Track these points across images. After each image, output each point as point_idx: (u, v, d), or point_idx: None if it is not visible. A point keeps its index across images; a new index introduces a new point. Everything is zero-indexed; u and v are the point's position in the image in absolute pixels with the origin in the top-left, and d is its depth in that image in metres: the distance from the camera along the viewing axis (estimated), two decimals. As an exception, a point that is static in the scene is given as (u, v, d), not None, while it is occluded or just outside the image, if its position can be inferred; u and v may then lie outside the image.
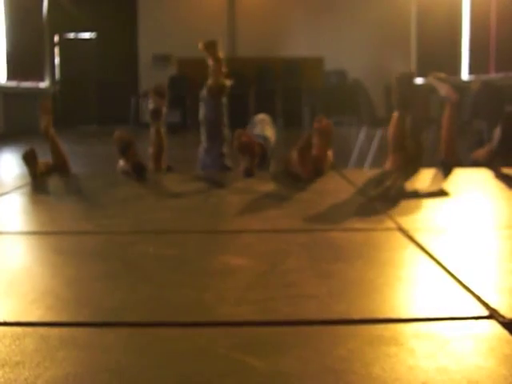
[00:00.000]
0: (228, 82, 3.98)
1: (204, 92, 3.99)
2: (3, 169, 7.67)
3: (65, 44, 15.08)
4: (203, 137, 3.99)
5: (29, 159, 3.42)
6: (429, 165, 3.68)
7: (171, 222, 2.35)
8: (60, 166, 3.70)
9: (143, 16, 14.91)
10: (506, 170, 3.44)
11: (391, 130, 3.64)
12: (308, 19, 14.89)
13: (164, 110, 3.86)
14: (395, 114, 3.63)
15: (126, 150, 3.52)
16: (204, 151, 3.98)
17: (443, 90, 3.96)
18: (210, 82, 3.94)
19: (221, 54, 3.96)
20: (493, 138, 3.94)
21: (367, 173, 4.17)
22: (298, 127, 12.87)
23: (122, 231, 2.17)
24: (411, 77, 3.83)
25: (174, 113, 13.55)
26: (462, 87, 10.86)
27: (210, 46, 3.94)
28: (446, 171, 3.45)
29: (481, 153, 3.98)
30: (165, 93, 3.89)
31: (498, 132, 3.90)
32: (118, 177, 3.62)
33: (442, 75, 4.10)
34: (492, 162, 3.69)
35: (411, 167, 3.50)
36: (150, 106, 3.85)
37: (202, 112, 4.00)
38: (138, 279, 1.58)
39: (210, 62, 3.91)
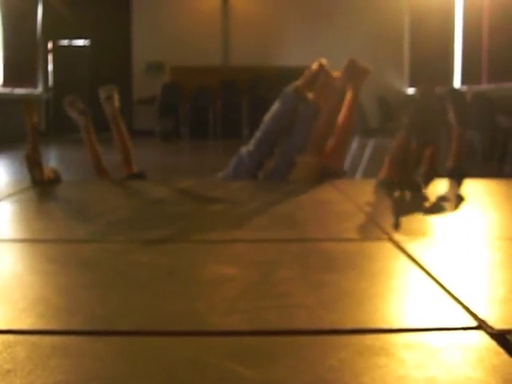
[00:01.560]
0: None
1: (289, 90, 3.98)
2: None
3: (58, 51, 15.09)
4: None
5: (31, 163, 3.41)
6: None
7: (163, 231, 2.36)
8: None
9: (137, 24, 14.95)
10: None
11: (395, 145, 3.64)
12: (301, 29, 14.95)
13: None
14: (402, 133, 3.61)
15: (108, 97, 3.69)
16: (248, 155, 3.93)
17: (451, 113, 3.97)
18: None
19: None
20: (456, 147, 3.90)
21: (359, 183, 4.18)
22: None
23: (114, 240, 2.18)
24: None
25: (167, 120, 13.58)
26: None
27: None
28: (457, 181, 3.44)
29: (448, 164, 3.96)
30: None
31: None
32: (111, 185, 3.62)
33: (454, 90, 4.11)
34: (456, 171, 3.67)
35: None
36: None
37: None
38: (130, 288, 1.58)
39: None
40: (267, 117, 3.92)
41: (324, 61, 3.99)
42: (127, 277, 1.69)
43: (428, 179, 3.30)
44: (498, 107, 8.18)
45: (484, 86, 10.89)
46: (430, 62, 13.77)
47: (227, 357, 1.13)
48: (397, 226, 2.33)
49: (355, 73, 3.95)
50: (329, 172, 3.69)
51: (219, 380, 1.05)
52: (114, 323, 1.32)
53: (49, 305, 1.43)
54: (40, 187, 3.38)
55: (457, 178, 3.46)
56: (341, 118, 3.88)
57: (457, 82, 12.59)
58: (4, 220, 2.65)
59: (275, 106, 3.94)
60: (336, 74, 3.98)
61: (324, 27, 14.84)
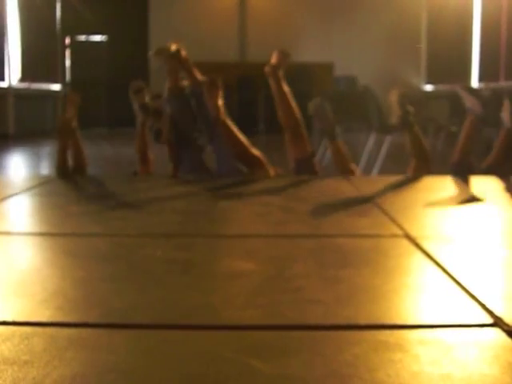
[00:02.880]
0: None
1: None
2: (14, 170, 7.70)
3: (76, 46, 15.13)
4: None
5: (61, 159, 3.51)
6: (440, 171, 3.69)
7: (180, 225, 2.37)
8: (78, 165, 3.74)
9: (154, 19, 14.97)
10: None
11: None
12: (318, 25, 14.92)
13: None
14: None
15: (137, 92, 3.63)
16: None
17: (469, 101, 3.98)
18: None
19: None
20: (500, 145, 3.93)
21: (375, 179, 4.18)
22: (307, 132, 12.87)
23: (131, 234, 2.19)
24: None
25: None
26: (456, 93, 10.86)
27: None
28: (458, 176, 3.45)
29: (489, 160, 3.98)
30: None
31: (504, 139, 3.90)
32: (128, 179, 3.64)
33: (471, 87, 4.12)
34: (501, 169, 3.69)
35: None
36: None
37: None
38: (146, 282, 1.59)
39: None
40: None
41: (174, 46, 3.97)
42: (143, 271, 1.70)
43: (461, 173, 3.36)
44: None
45: (502, 83, 10.82)
46: (447, 59, 13.71)
47: (243, 351, 1.14)
48: (413, 222, 2.33)
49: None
50: (302, 165, 3.68)
51: (234, 374, 1.05)
52: (130, 316, 1.33)
53: (66, 298, 1.44)
54: (59, 181, 3.41)
55: (458, 173, 3.49)
56: (280, 111, 3.85)
57: (475, 79, 12.52)
58: (23, 214, 2.67)
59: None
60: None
61: (341, 23, 14.80)
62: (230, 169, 3.74)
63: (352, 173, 3.76)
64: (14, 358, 1.10)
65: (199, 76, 3.99)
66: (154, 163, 4.07)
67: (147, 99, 3.86)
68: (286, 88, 3.87)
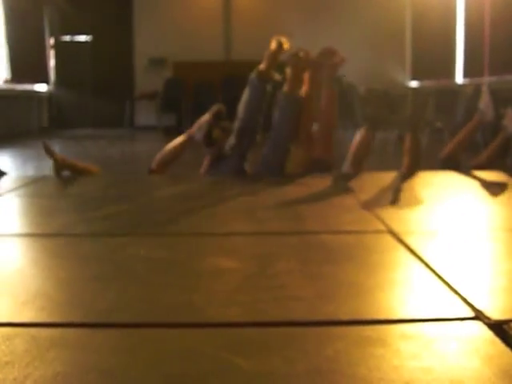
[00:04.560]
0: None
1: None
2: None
3: (60, 47, 15.07)
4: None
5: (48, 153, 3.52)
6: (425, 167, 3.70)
7: (162, 224, 2.36)
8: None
9: (139, 19, 14.91)
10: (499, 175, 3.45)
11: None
12: (303, 23, 14.92)
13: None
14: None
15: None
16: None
17: (484, 103, 4.00)
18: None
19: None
20: (494, 148, 3.94)
21: (360, 176, 4.17)
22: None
23: (114, 233, 2.19)
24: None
25: (169, 116, 13.57)
26: (456, 91, 10.89)
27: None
28: (445, 169, 3.47)
29: (480, 158, 3.99)
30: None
31: (498, 137, 3.92)
32: (112, 179, 3.63)
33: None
34: (491, 166, 3.70)
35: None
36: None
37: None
38: (129, 281, 1.59)
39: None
40: (240, 107, 3.84)
41: (282, 39, 3.95)
42: (126, 270, 1.70)
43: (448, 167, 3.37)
44: (500, 100, 8.16)
45: (486, 79, 10.86)
46: (432, 55, 13.74)
47: (224, 348, 1.14)
48: (397, 217, 2.33)
49: (329, 60, 3.94)
50: (319, 163, 3.69)
51: (216, 371, 1.05)
52: (112, 316, 1.33)
53: (49, 298, 1.44)
54: (44, 181, 3.40)
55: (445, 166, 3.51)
56: (323, 107, 3.87)
57: (459, 75, 12.56)
58: (6, 215, 2.66)
59: (245, 95, 3.89)
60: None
61: (326, 21, 14.81)
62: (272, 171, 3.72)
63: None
64: (-5, 359, 1.09)
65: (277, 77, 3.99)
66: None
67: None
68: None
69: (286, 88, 3.84)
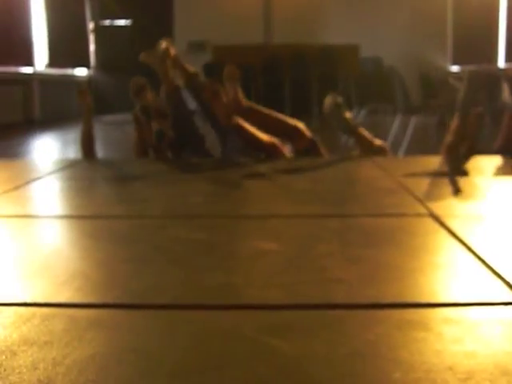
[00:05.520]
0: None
1: None
2: (39, 154, 7.75)
3: (100, 31, 15.16)
4: None
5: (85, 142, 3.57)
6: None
7: (201, 206, 2.36)
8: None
9: (178, 3, 14.94)
10: None
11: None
12: (343, 6, 14.82)
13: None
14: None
15: (139, 92, 3.61)
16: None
17: (506, 93, 3.92)
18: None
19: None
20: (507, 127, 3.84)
21: (401, 160, 4.14)
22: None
23: (152, 215, 2.18)
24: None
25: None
26: (499, 75, 10.74)
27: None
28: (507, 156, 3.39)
29: (500, 141, 3.90)
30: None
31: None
32: (150, 163, 3.64)
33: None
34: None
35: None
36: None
37: None
38: (167, 262, 1.58)
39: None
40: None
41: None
42: (164, 251, 1.69)
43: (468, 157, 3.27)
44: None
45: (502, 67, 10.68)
46: (473, 39, 13.56)
47: (263, 330, 1.12)
48: (438, 201, 2.30)
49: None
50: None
51: (256, 354, 1.04)
52: (150, 297, 1.33)
53: (87, 279, 1.44)
54: (82, 164, 3.42)
55: (505, 156, 3.41)
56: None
57: (501, 59, 12.38)
58: (46, 197, 2.68)
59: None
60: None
61: (366, 5, 14.68)
62: (236, 154, 3.76)
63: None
64: (34, 338, 1.09)
65: (191, 69, 4.01)
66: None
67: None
68: None
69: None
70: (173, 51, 4.03)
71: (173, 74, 4.03)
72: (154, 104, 3.82)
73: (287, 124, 3.71)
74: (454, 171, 2.97)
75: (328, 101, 3.76)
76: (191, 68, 4.09)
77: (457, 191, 2.50)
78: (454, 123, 3.47)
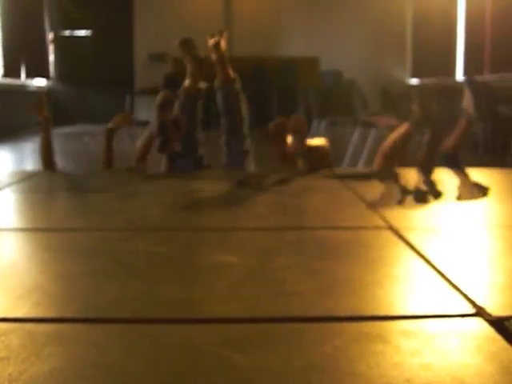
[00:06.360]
0: (202, 85, 3.97)
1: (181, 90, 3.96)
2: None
3: (60, 41, 15.05)
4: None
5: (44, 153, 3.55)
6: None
7: (162, 219, 2.35)
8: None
9: (139, 14, 14.91)
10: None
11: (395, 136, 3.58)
12: (304, 19, 14.91)
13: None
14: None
15: (164, 106, 3.57)
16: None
17: (466, 102, 3.94)
18: (186, 83, 3.93)
19: (200, 53, 3.93)
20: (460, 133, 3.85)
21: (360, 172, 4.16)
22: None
23: (112, 228, 2.17)
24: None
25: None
26: (456, 88, 10.89)
27: (185, 45, 3.91)
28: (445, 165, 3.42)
29: (446, 146, 3.89)
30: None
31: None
32: (112, 175, 3.61)
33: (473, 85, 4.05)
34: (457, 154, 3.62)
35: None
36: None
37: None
38: (127, 276, 1.57)
39: (188, 62, 3.90)
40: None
41: (176, 44, 3.96)
42: (125, 265, 1.68)
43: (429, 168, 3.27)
44: (500, 98, 8.16)
45: (486, 77, 10.84)
46: (432, 52, 13.73)
47: (223, 344, 1.13)
48: (397, 213, 2.32)
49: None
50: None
51: (214, 367, 1.04)
52: (110, 311, 1.32)
53: (45, 293, 1.43)
54: (41, 176, 3.38)
55: (453, 166, 3.43)
56: None
57: (459, 73, 12.55)
58: (3, 209, 2.64)
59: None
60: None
61: (327, 18, 14.79)
62: (240, 163, 3.73)
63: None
64: (-9, 354, 1.08)
65: (232, 73, 3.97)
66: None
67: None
68: None
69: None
70: (223, 46, 3.93)
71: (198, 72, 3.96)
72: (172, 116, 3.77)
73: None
74: (384, 177, 3.00)
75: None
76: (232, 72, 4.00)
77: (401, 201, 2.54)
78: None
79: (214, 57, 3.93)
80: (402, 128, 3.37)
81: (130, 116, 3.90)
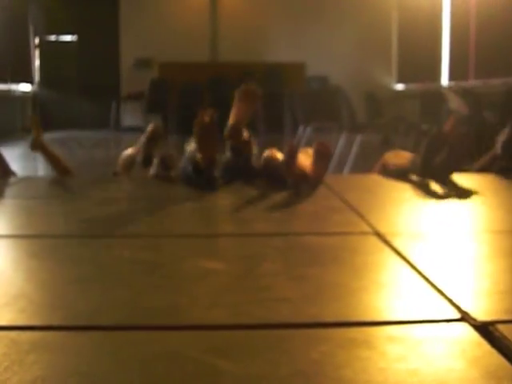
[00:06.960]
0: None
1: None
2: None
3: (45, 46, 15.02)
4: None
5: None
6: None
7: (147, 225, 2.35)
8: (62, 173, 3.76)
9: (125, 19, 14.90)
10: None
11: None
12: (290, 25, 14.95)
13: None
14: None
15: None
16: None
17: (455, 102, 3.96)
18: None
19: None
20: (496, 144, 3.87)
21: (346, 178, 4.18)
22: (279, 132, 12.92)
23: (97, 235, 2.16)
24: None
25: (155, 117, 13.55)
26: (441, 94, 10.92)
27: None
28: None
29: (483, 160, 3.93)
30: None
31: (502, 137, 3.85)
32: (96, 181, 3.60)
33: (457, 90, 4.07)
34: (493, 168, 3.65)
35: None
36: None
37: None
38: (112, 283, 1.57)
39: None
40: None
41: None
42: (109, 272, 1.68)
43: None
44: (484, 103, 8.20)
45: (471, 83, 10.91)
46: (417, 58, 13.79)
47: (208, 351, 1.12)
48: (383, 219, 2.32)
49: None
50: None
51: (199, 374, 1.04)
52: (95, 318, 1.31)
53: (30, 300, 1.41)
54: (25, 182, 3.37)
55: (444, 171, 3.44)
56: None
57: (444, 78, 12.61)
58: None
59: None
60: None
61: (313, 23, 14.84)
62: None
63: None
64: (-27, 363, 1.07)
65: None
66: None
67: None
68: None
69: None
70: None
71: None
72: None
73: None
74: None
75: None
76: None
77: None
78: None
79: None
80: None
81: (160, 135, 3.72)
